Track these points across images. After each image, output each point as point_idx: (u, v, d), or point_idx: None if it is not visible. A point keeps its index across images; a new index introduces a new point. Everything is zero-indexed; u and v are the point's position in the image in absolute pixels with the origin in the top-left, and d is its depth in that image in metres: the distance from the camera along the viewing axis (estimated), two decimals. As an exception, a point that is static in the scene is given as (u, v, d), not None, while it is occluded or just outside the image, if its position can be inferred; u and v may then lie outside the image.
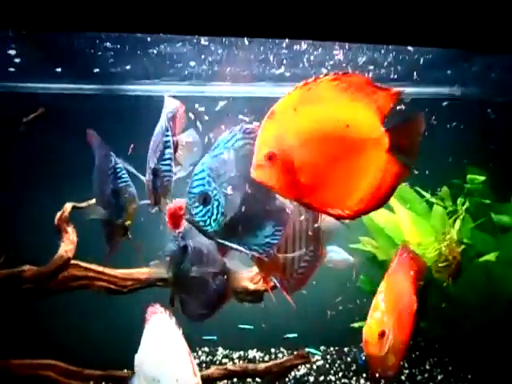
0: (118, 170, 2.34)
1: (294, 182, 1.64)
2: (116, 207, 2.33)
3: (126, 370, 3.19)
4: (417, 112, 1.72)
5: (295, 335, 4.16)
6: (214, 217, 1.78)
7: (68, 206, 3.02)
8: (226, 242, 1.83)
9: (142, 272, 3.43)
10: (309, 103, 1.61)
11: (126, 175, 2.34)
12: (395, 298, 2.20)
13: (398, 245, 3.97)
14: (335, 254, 2.26)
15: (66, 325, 3.66)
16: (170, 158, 2.17)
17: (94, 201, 2.71)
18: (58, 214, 2.98)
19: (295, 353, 3.43)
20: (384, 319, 2.09)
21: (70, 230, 2.99)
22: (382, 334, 2.06)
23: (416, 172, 1.79)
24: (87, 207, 2.97)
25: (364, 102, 1.64)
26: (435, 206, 3.91)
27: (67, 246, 2.91)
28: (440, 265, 3.45)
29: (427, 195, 4.07)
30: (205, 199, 1.77)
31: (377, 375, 2.18)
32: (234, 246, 1.83)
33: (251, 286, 3.40)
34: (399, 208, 4.04)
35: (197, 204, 1.78)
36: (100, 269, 3.35)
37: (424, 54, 3.47)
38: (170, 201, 2.20)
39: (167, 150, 2.16)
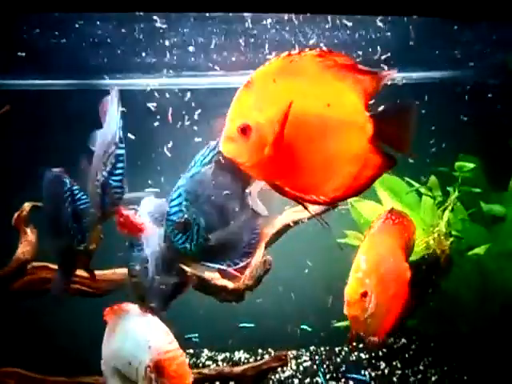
0: (76, 192, 2.16)
1: (267, 161, 1.50)
2: (78, 232, 2.15)
3: (96, 377, 3.07)
4: (408, 99, 1.59)
5: (252, 325, 3.97)
6: (194, 242, 1.70)
7: (27, 206, 2.88)
8: (208, 264, 1.76)
9: (116, 273, 3.30)
10: (290, 75, 1.49)
11: (85, 196, 2.16)
12: (378, 260, 2.10)
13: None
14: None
15: (31, 330, 3.55)
16: (122, 174, 1.96)
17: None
18: (16, 214, 2.85)
19: (273, 355, 3.24)
20: (366, 280, 2.02)
21: (29, 230, 2.86)
22: (364, 295, 1.99)
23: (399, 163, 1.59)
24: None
25: (348, 83, 1.52)
26: (424, 197, 3.67)
27: (25, 247, 2.78)
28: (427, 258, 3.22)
29: (417, 185, 3.83)
30: (185, 226, 1.70)
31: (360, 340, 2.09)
32: (216, 266, 1.76)
33: (230, 285, 3.24)
34: (387, 199, 3.82)
35: (176, 231, 1.69)
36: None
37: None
38: None
39: (120, 165, 1.95)
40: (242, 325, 3.94)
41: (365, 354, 4.11)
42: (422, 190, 3.76)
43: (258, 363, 3.21)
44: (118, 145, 1.94)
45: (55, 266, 3.17)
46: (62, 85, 3.88)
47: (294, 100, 1.47)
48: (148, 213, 2.14)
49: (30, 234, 2.85)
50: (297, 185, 1.55)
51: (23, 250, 2.77)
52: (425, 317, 3.67)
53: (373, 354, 4.08)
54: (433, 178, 3.68)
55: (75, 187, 2.16)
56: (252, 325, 3.94)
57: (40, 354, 3.27)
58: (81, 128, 2.22)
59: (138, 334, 1.90)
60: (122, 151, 1.95)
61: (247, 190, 1.82)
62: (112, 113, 2.05)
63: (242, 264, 1.78)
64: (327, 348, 4.30)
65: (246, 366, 3.19)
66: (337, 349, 4.27)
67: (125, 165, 1.97)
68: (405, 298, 2.16)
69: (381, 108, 1.60)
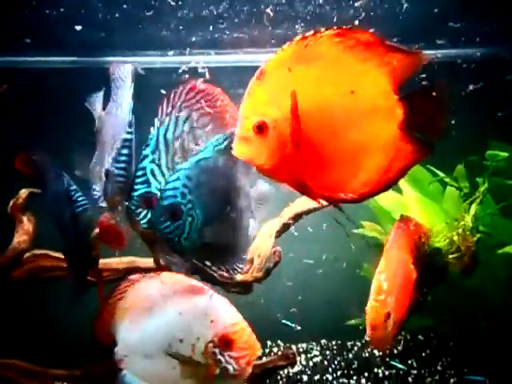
0: (72, 193, 2.01)
1: (288, 161, 1.33)
2: (76, 235, 2.02)
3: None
4: (440, 79, 1.40)
5: (292, 325, 3.84)
6: (184, 234, 1.52)
7: (23, 193, 2.74)
8: (200, 264, 1.61)
9: (119, 262, 3.18)
10: (306, 62, 1.33)
11: (82, 197, 2.01)
12: (395, 275, 2.14)
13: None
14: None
15: (30, 320, 3.48)
16: (125, 161, 1.77)
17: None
18: (12, 202, 2.72)
19: (279, 353, 3.08)
20: (388, 300, 2.05)
21: (26, 219, 2.72)
22: (388, 316, 2.03)
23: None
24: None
25: (373, 64, 1.35)
26: (449, 188, 3.38)
27: (21, 236, 2.65)
28: (451, 256, 2.96)
29: (441, 174, 3.53)
30: (174, 214, 1.50)
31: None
32: (213, 268, 1.62)
33: (238, 277, 3.08)
34: (407, 189, 3.54)
35: (163, 218, 1.50)
36: (72, 259, 3.11)
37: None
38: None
39: (124, 151, 1.77)
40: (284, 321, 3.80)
41: (378, 351, 3.93)
42: (447, 180, 3.46)
43: (264, 361, 3.06)
44: (126, 129, 1.76)
45: (57, 254, 3.08)
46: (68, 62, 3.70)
47: (312, 90, 1.31)
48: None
49: (27, 223, 2.71)
50: (323, 183, 1.39)
51: (19, 239, 2.64)
52: (443, 313, 3.45)
53: (387, 351, 3.90)
54: (460, 167, 3.38)
55: (72, 187, 2.02)
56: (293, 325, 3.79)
57: (39, 346, 3.20)
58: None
59: (190, 310, 1.73)
60: (130, 136, 1.76)
61: (250, 190, 1.61)
62: (125, 92, 1.86)
63: (238, 270, 1.58)
64: (339, 342, 4.15)
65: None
66: (349, 343, 4.11)
67: (131, 151, 1.77)
68: (411, 296, 2.19)
69: (411, 90, 1.40)
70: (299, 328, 3.66)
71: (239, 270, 1.63)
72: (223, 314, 1.64)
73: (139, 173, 1.64)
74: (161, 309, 1.73)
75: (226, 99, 1.62)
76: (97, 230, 1.92)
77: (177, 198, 1.50)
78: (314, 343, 4.12)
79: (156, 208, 1.53)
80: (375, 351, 3.93)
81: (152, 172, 1.61)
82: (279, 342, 4.22)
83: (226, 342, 1.59)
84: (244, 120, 1.32)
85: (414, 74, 1.36)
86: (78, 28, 3.22)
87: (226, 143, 1.59)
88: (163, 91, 1.96)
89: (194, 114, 1.60)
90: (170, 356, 1.67)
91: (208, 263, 1.60)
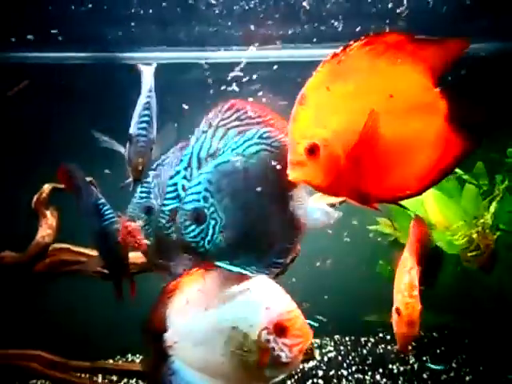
0: (101, 207, 2.09)
1: (344, 175, 1.40)
2: (107, 248, 2.13)
3: (111, 361, 3.04)
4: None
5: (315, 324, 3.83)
6: (208, 237, 1.52)
7: (46, 188, 2.78)
8: (225, 265, 1.58)
9: (137, 256, 3.21)
10: (342, 78, 1.37)
11: (110, 211, 2.09)
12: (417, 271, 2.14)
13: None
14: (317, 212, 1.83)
15: (53, 313, 3.53)
16: (146, 122, 1.90)
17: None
18: (35, 197, 2.75)
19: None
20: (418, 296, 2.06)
21: (49, 213, 2.76)
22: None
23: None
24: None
25: (407, 64, 1.37)
26: (467, 185, 3.36)
27: (44, 231, 2.69)
28: (469, 254, 2.96)
29: (459, 171, 3.51)
30: (197, 217, 1.51)
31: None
32: (236, 269, 1.57)
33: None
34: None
35: (188, 223, 1.51)
36: (93, 253, 3.15)
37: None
38: None
39: (145, 112, 1.91)
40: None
41: (392, 347, 3.94)
42: (466, 177, 3.44)
43: (282, 356, 3.09)
44: (146, 93, 1.91)
45: (78, 249, 3.12)
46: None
47: (353, 104, 1.37)
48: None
49: (50, 217, 2.75)
50: (380, 189, 1.44)
51: (43, 233, 2.68)
52: (460, 309, 3.44)
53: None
54: (479, 165, 3.35)
55: (100, 201, 2.10)
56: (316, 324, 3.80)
57: (61, 338, 3.25)
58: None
59: (244, 297, 1.71)
60: (149, 99, 1.90)
61: (289, 193, 1.62)
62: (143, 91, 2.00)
63: (266, 272, 1.59)
64: (352, 338, 4.16)
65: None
66: (362, 339, 4.13)
67: (151, 113, 1.91)
68: None
69: (453, 81, 1.42)
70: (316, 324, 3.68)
71: (279, 263, 1.62)
72: (278, 301, 1.63)
73: (170, 188, 1.65)
74: (214, 296, 1.72)
75: (265, 117, 1.64)
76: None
77: (200, 202, 1.51)
78: (327, 338, 4.14)
79: (179, 212, 1.54)
80: (389, 347, 3.95)
81: (183, 188, 1.63)
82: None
83: (280, 329, 1.57)
84: (295, 145, 1.38)
85: (456, 60, 1.36)
86: (102, 24, 3.23)
87: (244, 145, 1.60)
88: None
89: (231, 132, 1.61)
90: (221, 343, 1.66)
91: (241, 269, 1.58)
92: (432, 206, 3.41)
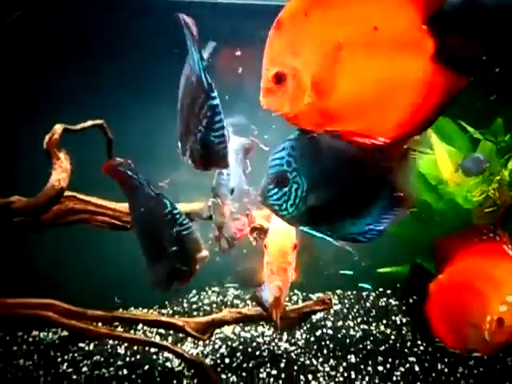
0: (177, 217, 2.02)
1: (312, 107, 1.32)
2: (181, 256, 2.04)
3: (132, 309, 2.98)
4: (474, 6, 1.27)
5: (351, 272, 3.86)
6: (290, 201, 1.53)
7: (58, 128, 2.56)
8: (308, 230, 1.58)
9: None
10: (322, 5, 1.27)
11: (187, 220, 2.04)
12: None
13: (433, 186, 3.55)
14: None
15: (66, 263, 3.39)
16: (222, 127, 1.63)
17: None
18: (47, 138, 2.53)
19: (315, 298, 3.15)
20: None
21: (62, 155, 2.56)
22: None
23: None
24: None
25: None
26: (483, 142, 3.39)
27: (59, 174, 2.50)
28: (486, 210, 3.02)
29: (471, 129, 3.54)
30: (280, 181, 1.53)
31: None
32: (319, 234, 1.57)
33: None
34: (437, 142, 3.53)
35: (271, 186, 1.53)
36: (101, 202, 3.00)
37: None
38: None
39: (217, 118, 1.62)
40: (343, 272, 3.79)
41: (394, 301, 4.08)
42: (479, 135, 3.47)
43: (300, 305, 3.13)
44: (208, 94, 1.59)
45: (84, 197, 2.96)
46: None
47: (333, 33, 1.25)
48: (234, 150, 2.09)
49: (64, 160, 2.55)
50: (350, 129, 1.34)
51: (58, 177, 2.49)
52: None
53: (403, 301, 4.05)
54: (499, 121, 3.37)
55: (176, 211, 2.03)
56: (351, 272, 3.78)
57: (77, 288, 3.13)
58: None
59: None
60: (217, 101, 1.61)
61: (386, 165, 1.54)
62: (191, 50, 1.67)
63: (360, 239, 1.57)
64: (354, 293, 4.27)
65: (287, 308, 3.11)
66: (364, 294, 4.25)
67: (222, 115, 1.65)
68: None
69: (442, 18, 1.27)
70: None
71: (378, 230, 1.58)
72: None
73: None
74: None
75: None
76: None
77: (283, 167, 1.52)
78: (330, 293, 4.23)
79: (266, 177, 1.57)
80: (391, 300, 4.09)
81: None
82: (296, 291, 4.33)
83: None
84: (265, 72, 1.34)
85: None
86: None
87: None
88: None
89: None
90: None
91: (325, 235, 1.59)
92: (445, 162, 3.44)
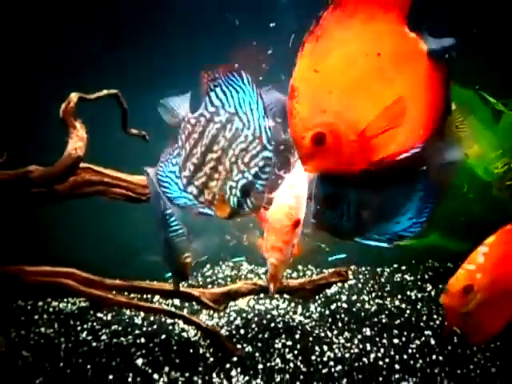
0: (167, 217, 2.09)
1: (355, 152, 1.36)
2: (169, 258, 2.14)
3: (148, 281, 3.01)
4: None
5: (343, 256, 3.93)
6: (345, 217, 1.56)
7: (74, 97, 2.54)
8: (362, 240, 1.61)
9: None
10: (325, 54, 1.30)
11: (176, 222, 2.09)
12: (501, 259, 1.85)
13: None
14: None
15: (82, 233, 3.43)
16: (267, 179, 1.69)
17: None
18: (63, 106, 2.52)
19: (331, 270, 3.14)
20: (477, 275, 1.80)
21: (78, 124, 2.55)
22: (468, 290, 1.79)
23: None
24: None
25: (380, 16, 1.31)
26: (505, 114, 3.28)
27: (76, 143, 2.49)
28: (508, 182, 2.95)
29: (493, 100, 3.42)
30: (333, 201, 1.58)
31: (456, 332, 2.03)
32: (373, 243, 1.61)
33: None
34: (456, 112, 3.42)
35: (324, 208, 1.57)
36: (116, 174, 3.01)
37: None
38: None
39: (268, 169, 1.68)
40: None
41: (409, 276, 4.06)
42: (499, 106, 3.36)
43: (317, 277, 3.13)
44: (266, 146, 1.65)
45: (100, 169, 2.96)
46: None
47: (347, 78, 1.30)
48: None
49: (80, 129, 2.54)
50: (393, 149, 1.38)
51: (75, 145, 2.48)
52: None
53: (418, 276, 4.03)
54: (523, 93, 3.26)
55: (168, 211, 2.07)
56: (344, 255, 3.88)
57: (93, 257, 3.17)
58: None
59: None
60: (271, 154, 1.66)
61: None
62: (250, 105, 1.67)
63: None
64: (368, 268, 4.26)
65: (302, 280, 3.11)
66: (378, 269, 4.23)
67: (271, 170, 1.72)
68: None
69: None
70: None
71: (420, 222, 1.63)
72: None
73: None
74: None
75: None
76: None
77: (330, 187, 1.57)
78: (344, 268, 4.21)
79: (314, 199, 1.60)
80: (406, 276, 4.06)
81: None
82: (310, 266, 4.33)
83: None
84: (300, 140, 1.34)
85: None
86: None
87: None
88: None
89: None
90: None
91: (377, 242, 1.63)
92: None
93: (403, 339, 3.14)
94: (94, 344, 3.03)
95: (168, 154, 1.81)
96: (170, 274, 2.40)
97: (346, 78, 1.30)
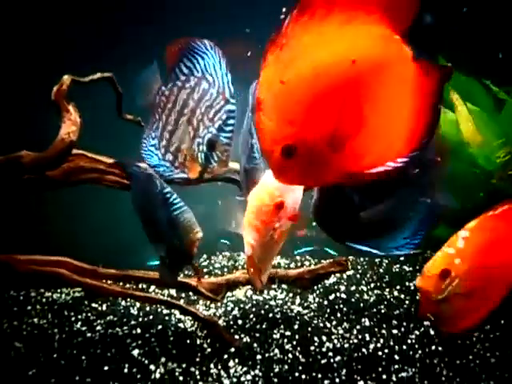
0: (169, 196, 2.02)
1: (328, 163, 1.27)
2: (175, 239, 2.04)
3: (141, 271, 2.94)
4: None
5: (311, 248, 3.92)
6: (344, 219, 1.59)
7: (66, 79, 2.45)
8: (354, 245, 1.62)
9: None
10: (292, 64, 1.18)
11: (178, 199, 2.04)
12: (483, 246, 1.73)
13: (452, 147, 3.42)
14: None
15: (76, 221, 3.35)
16: (232, 131, 1.76)
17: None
18: (55, 89, 2.43)
19: (331, 260, 3.09)
20: (455, 260, 1.68)
21: (72, 108, 2.46)
22: (445, 275, 1.67)
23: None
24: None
25: (360, 18, 1.18)
26: (508, 103, 3.23)
27: (69, 127, 2.41)
28: (510, 172, 2.91)
29: (495, 89, 3.37)
30: (333, 201, 1.60)
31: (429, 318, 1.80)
32: (364, 248, 1.61)
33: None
34: (459, 102, 3.36)
35: (323, 207, 1.60)
36: (111, 161, 2.92)
37: None
38: None
39: (230, 121, 1.75)
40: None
41: (408, 267, 4.03)
42: (502, 94, 3.32)
43: (316, 267, 3.08)
44: (228, 100, 1.73)
45: (94, 155, 2.88)
46: None
47: (318, 87, 1.20)
48: None
49: (73, 113, 2.46)
50: (370, 163, 1.27)
51: (68, 130, 2.40)
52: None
53: (417, 267, 4.00)
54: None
55: (166, 190, 2.02)
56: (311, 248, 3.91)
57: (86, 246, 3.10)
58: None
59: None
60: (234, 107, 1.75)
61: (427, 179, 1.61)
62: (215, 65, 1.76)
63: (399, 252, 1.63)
64: (366, 259, 4.23)
65: (301, 270, 3.07)
66: (377, 260, 4.20)
67: (234, 122, 1.77)
68: (500, 297, 1.80)
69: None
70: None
71: (413, 243, 1.65)
72: None
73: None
74: None
75: None
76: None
77: None
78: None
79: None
80: (405, 267, 4.03)
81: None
82: (307, 257, 4.30)
83: None
84: (270, 154, 1.26)
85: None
86: None
87: None
88: None
89: None
90: None
91: (371, 249, 1.64)
92: (467, 122, 3.29)
93: (402, 330, 3.11)
94: (89, 335, 2.97)
95: (148, 129, 1.84)
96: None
97: (314, 88, 1.20)
